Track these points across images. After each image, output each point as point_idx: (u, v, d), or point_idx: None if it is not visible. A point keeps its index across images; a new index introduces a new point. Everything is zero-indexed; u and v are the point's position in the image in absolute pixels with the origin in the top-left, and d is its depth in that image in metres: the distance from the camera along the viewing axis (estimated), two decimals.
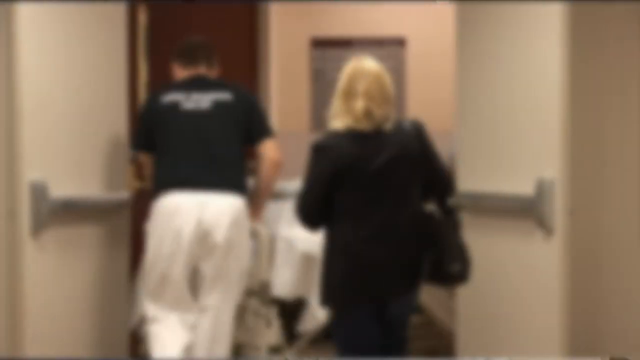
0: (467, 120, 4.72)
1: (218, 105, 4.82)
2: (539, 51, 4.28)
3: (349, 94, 4.00)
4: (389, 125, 4.02)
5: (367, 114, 3.96)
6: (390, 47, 7.43)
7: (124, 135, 4.94)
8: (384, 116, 4.01)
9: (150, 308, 4.77)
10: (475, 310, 4.69)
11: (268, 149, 4.91)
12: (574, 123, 4.23)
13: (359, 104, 3.97)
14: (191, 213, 4.66)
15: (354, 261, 3.98)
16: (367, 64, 4.05)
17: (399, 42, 7.47)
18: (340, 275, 4.00)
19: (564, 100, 4.20)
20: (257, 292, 5.19)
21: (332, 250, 4.04)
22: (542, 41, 4.26)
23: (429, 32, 7.40)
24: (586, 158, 4.36)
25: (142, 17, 5.84)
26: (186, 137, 4.78)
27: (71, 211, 4.58)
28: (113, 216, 4.88)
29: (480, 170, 4.64)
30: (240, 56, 6.73)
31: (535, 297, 4.36)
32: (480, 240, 4.50)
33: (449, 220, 4.08)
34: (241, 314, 5.09)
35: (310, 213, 4.04)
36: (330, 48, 7.41)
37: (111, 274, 4.87)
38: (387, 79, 4.04)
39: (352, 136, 3.98)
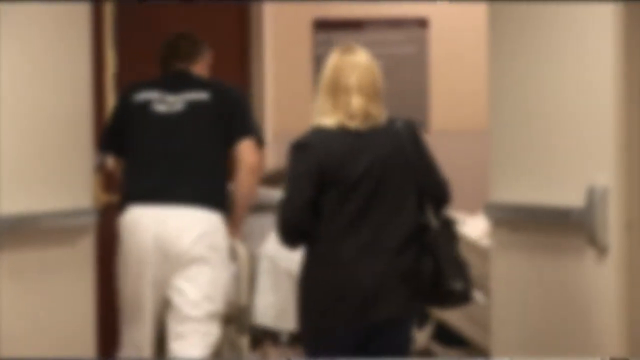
0: (502, 119, 4.63)
1: (192, 107, 4.75)
2: (588, 47, 4.24)
3: (337, 89, 3.97)
4: (380, 125, 3.99)
5: (365, 111, 3.95)
6: (409, 29, 7.37)
7: (88, 139, 4.66)
8: (377, 114, 3.99)
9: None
10: (514, 341, 4.53)
11: (243, 151, 4.76)
12: (630, 122, 4.12)
13: (356, 101, 3.95)
14: (149, 230, 4.59)
15: (339, 279, 3.91)
16: (356, 54, 4.03)
17: (420, 23, 7.40)
18: (323, 295, 3.93)
19: (618, 97, 4.11)
20: (234, 320, 5.08)
21: (314, 267, 3.96)
22: (590, 39, 4.23)
23: (455, 10, 7.23)
24: None
25: (109, 6, 5.83)
26: (155, 144, 4.71)
27: (24, 231, 4.38)
28: (76, 236, 4.60)
29: (518, 178, 4.53)
30: (228, 43, 6.55)
31: (587, 326, 4.21)
32: (520, 261, 4.46)
33: (445, 233, 4.04)
34: (219, 345, 4.94)
35: (295, 224, 3.93)
36: (336, 31, 7.30)
37: (73, 306, 4.61)
38: (378, 72, 4.03)
39: (340, 134, 3.95)
